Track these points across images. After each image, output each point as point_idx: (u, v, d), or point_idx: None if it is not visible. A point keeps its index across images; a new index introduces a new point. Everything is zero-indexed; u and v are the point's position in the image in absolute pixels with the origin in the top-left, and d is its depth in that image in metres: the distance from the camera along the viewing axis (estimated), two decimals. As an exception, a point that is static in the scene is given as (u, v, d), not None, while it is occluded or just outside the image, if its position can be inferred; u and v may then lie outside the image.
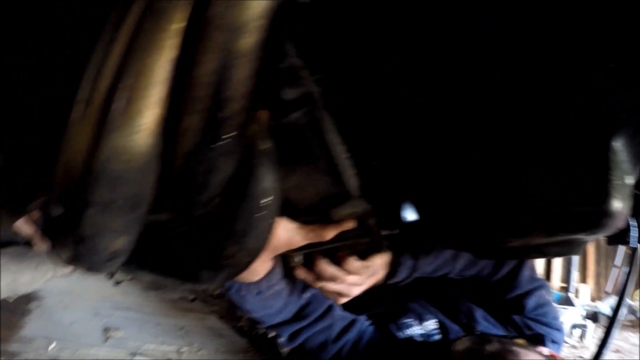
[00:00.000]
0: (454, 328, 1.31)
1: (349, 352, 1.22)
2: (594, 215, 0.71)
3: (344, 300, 1.07)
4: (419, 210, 0.90)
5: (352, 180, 0.77)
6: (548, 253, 0.91)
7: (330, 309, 1.19)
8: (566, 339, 3.10)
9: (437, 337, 1.31)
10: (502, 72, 0.67)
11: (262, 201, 0.60)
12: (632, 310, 4.17)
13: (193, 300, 1.83)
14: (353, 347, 1.23)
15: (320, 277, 1.00)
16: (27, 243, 1.31)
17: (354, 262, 0.99)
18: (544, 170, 0.71)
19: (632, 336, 3.67)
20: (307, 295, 1.14)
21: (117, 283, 1.72)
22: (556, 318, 1.36)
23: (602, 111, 0.64)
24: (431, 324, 1.32)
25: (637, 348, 3.41)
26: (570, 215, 0.74)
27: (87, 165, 0.56)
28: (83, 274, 1.56)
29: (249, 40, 0.49)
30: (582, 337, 3.48)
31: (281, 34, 0.63)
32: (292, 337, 1.20)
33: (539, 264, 4.16)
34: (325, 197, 0.79)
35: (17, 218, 1.20)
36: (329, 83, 0.71)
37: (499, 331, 1.30)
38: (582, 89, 0.62)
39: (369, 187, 0.80)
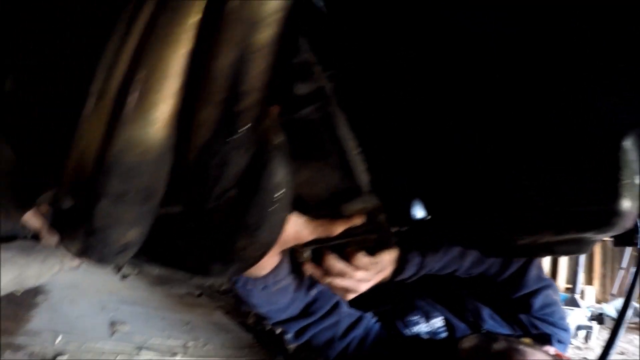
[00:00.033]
0: (461, 326, 1.31)
1: (356, 349, 1.23)
2: (603, 214, 0.71)
3: (351, 296, 1.07)
4: (428, 207, 0.90)
5: (363, 175, 0.77)
6: (556, 251, 0.91)
7: (337, 305, 1.19)
8: (571, 339, 3.09)
9: (444, 334, 1.31)
10: (503, 73, 0.66)
11: (275, 195, 0.60)
12: (637, 313, 4.15)
13: (199, 295, 1.84)
14: (360, 344, 1.23)
15: (328, 272, 1.00)
16: (35, 236, 1.32)
17: (362, 258, 0.99)
18: (553, 168, 0.71)
19: (636, 338, 3.65)
20: (314, 291, 1.14)
21: (124, 277, 1.72)
22: (563, 318, 1.35)
23: (611, 111, 0.64)
24: (438, 322, 1.31)
25: (642, 350, 3.39)
26: (579, 213, 0.74)
27: (100, 157, 0.56)
28: (90, 267, 1.58)
29: (266, 33, 0.49)
30: (587, 338, 3.47)
31: (295, 29, 0.63)
32: (299, 333, 1.20)
33: (545, 264, 4.14)
34: (335, 192, 0.79)
35: (26, 211, 1.21)
36: (341, 79, 0.71)
37: (505, 330, 1.30)
38: (584, 89, 0.62)
39: (380, 182, 0.80)
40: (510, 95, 0.69)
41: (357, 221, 0.84)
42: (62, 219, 0.68)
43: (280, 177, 0.60)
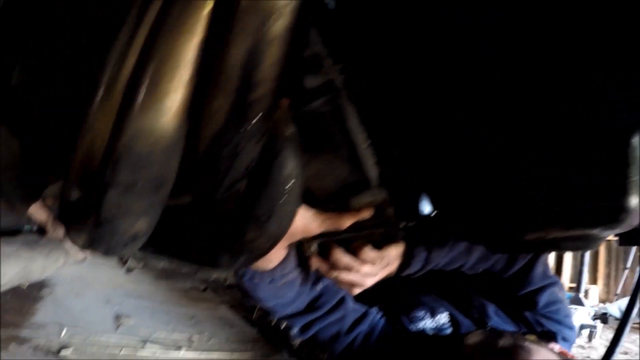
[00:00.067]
0: (466, 322, 1.30)
1: (361, 345, 1.22)
2: (610, 211, 0.70)
3: (357, 291, 1.07)
4: (436, 201, 0.89)
5: (372, 168, 0.76)
6: (563, 247, 0.91)
7: (342, 300, 1.19)
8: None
9: (449, 330, 1.30)
10: (502, 72, 0.66)
11: (285, 186, 0.60)
12: (640, 313, 4.13)
13: (204, 289, 1.84)
14: (365, 340, 1.23)
15: (334, 266, 1.00)
16: (41, 229, 1.33)
17: (369, 252, 0.98)
18: (562, 161, 0.71)
19: (639, 339, 3.64)
20: (319, 286, 1.14)
21: (129, 271, 1.72)
22: (568, 316, 1.35)
23: (621, 106, 0.63)
24: (443, 318, 1.31)
25: (646, 350, 3.38)
26: (587, 209, 0.73)
27: (110, 147, 0.56)
28: (95, 261, 1.58)
29: (280, 23, 0.49)
30: (590, 337, 3.47)
31: (306, 21, 0.63)
32: (305, 328, 1.20)
33: (549, 263, 4.14)
34: (344, 185, 0.78)
35: (32, 204, 1.22)
36: (352, 71, 0.71)
37: (510, 327, 1.29)
38: (595, 83, 0.62)
39: (389, 176, 0.79)
40: (520, 89, 0.68)
41: (366, 215, 0.83)
42: (69, 211, 0.68)
43: (291, 169, 0.60)
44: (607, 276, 5.56)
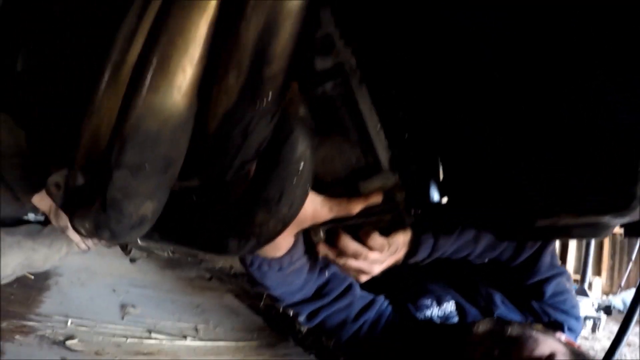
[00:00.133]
0: (472, 311, 1.30)
1: (368, 332, 1.22)
2: (621, 197, 0.70)
3: (365, 278, 1.06)
4: (447, 186, 0.88)
5: (383, 152, 0.75)
6: (573, 235, 0.90)
7: (350, 287, 1.18)
8: (580, 329, 3.09)
9: (455, 319, 1.30)
10: (502, 71, 0.65)
11: (297, 168, 0.59)
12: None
13: (210, 278, 1.84)
14: (371, 327, 1.22)
15: (342, 253, 0.99)
16: (47, 219, 1.32)
17: (377, 239, 0.97)
18: (561, 163, 0.70)
19: (642, 331, 3.64)
20: (327, 273, 1.13)
21: (132, 261, 1.73)
22: (575, 306, 1.34)
23: (622, 106, 0.62)
24: (449, 306, 1.31)
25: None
26: (599, 196, 0.73)
27: (118, 127, 0.55)
28: (100, 251, 1.58)
29: (295, 0, 0.48)
30: (594, 329, 3.46)
31: (318, 2, 0.62)
32: (311, 315, 1.19)
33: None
34: (354, 170, 0.77)
35: (36, 193, 1.21)
36: (364, 53, 0.70)
37: (516, 316, 1.29)
38: (594, 83, 0.61)
39: (400, 161, 0.78)
40: (520, 89, 0.68)
41: (376, 199, 0.82)
42: (74, 198, 0.67)
43: (303, 150, 0.59)
44: (611, 268, 5.56)
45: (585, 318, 3.44)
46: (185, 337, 1.40)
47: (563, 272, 1.30)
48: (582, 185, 0.70)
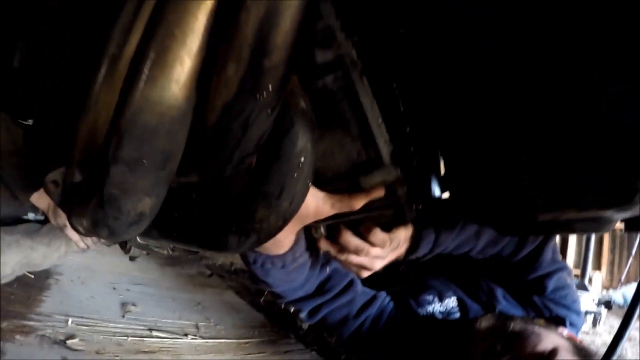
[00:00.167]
0: (474, 307, 1.30)
1: (369, 328, 1.22)
2: (623, 192, 0.69)
3: (366, 274, 1.05)
4: (448, 181, 0.88)
5: (385, 146, 0.74)
6: (575, 229, 0.90)
7: (351, 283, 1.18)
8: (581, 324, 3.09)
9: (457, 315, 1.30)
10: (503, 64, 0.64)
11: (298, 161, 0.58)
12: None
13: (210, 275, 1.84)
14: (373, 323, 1.22)
15: (343, 249, 0.98)
16: (46, 218, 1.31)
17: (379, 234, 0.96)
18: (562, 157, 0.69)
19: (643, 325, 3.64)
20: (328, 269, 1.13)
21: (133, 259, 1.72)
22: (576, 301, 1.34)
23: (623, 99, 0.62)
24: (451, 302, 1.30)
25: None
26: (600, 190, 0.72)
27: (115, 121, 0.54)
28: (100, 249, 1.57)
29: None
30: (594, 323, 3.47)
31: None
32: (313, 312, 1.19)
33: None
34: (355, 164, 0.76)
35: (34, 191, 1.20)
36: (366, 46, 0.69)
37: (518, 311, 1.29)
38: (586, 80, 0.60)
39: (402, 155, 0.77)
40: (521, 81, 0.67)
41: (378, 194, 0.81)
42: (72, 195, 0.66)
43: (303, 144, 0.58)
44: (611, 263, 5.57)
45: (586, 313, 3.43)
46: (186, 335, 1.39)
47: (564, 267, 1.30)
48: (584, 180, 0.69)
